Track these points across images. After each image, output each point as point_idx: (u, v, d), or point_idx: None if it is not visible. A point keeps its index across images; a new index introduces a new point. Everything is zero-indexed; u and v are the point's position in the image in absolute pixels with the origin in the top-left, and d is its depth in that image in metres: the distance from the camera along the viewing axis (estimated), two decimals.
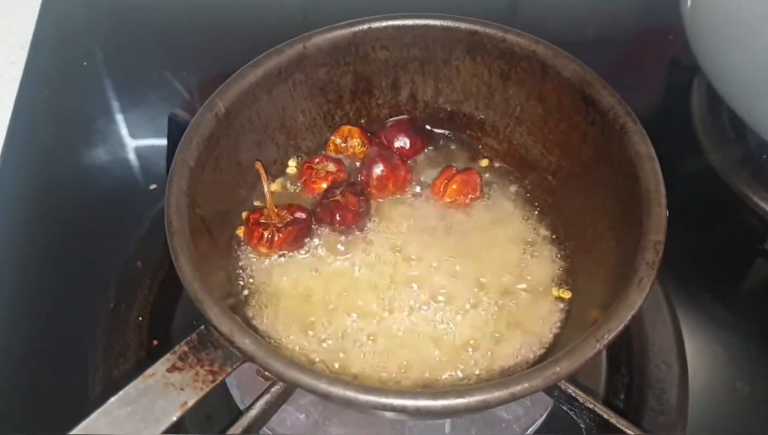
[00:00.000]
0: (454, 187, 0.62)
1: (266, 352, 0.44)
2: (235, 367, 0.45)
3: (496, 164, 0.65)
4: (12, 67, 0.84)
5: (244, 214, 0.60)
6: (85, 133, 0.81)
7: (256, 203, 0.62)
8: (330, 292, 0.57)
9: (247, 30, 0.89)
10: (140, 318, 0.63)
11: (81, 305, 0.66)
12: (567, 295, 0.57)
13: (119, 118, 0.83)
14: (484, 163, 0.65)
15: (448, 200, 0.62)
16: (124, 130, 0.82)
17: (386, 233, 0.61)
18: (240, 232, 0.60)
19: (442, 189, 0.62)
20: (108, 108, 0.83)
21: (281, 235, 0.58)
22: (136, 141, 0.81)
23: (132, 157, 0.79)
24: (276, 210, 0.60)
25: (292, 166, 0.65)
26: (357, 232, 0.60)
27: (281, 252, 0.59)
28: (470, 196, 0.62)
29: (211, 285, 0.48)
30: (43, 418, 0.60)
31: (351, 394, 0.42)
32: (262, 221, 0.59)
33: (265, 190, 0.59)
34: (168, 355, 0.45)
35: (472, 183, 0.62)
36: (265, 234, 0.58)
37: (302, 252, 0.60)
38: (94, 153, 0.80)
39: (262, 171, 0.59)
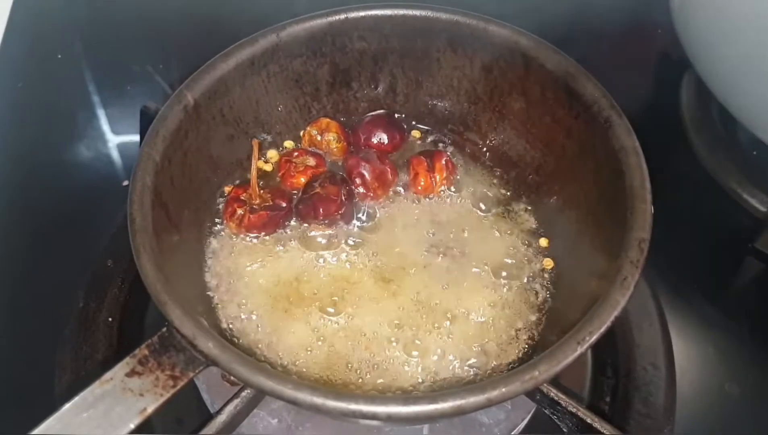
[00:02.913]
0: (439, 176, 0.61)
1: (230, 356, 0.42)
2: (197, 371, 0.44)
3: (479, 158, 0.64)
4: None
5: (228, 188, 0.60)
6: (63, 127, 0.79)
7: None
8: (305, 290, 0.56)
9: (229, 22, 0.87)
10: (110, 318, 0.61)
11: (50, 303, 0.64)
12: (549, 293, 0.56)
13: (100, 113, 0.81)
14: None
15: (440, 191, 0.61)
16: (105, 126, 0.80)
17: (366, 232, 0.59)
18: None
19: (430, 182, 0.61)
20: (88, 102, 0.82)
21: (252, 217, 0.57)
22: (118, 137, 0.79)
23: (114, 153, 0.78)
24: (260, 192, 0.58)
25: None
26: (338, 227, 0.59)
27: (248, 233, 0.58)
28: (451, 175, 0.61)
29: (176, 285, 0.46)
30: (7, 418, 0.58)
31: (319, 400, 0.41)
32: (242, 198, 0.58)
33: (253, 168, 0.58)
34: (127, 359, 0.43)
35: (447, 163, 0.61)
36: (239, 211, 0.57)
37: (279, 247, 0.58)
38: (73, 148, 0.78)
39: (256, 149, 0.58)
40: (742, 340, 0.65)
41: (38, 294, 0.65)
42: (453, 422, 0.54)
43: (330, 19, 0.58)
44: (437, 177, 0.61)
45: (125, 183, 0.72)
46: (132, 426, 0.41)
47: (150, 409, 0.42)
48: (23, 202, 0.73)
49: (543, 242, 0.59)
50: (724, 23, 0.65)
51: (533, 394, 0.50)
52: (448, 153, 0.63)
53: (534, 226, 0.60)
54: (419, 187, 0.61)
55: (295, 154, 0.62)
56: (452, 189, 0.61)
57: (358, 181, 0.60)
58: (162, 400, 0.42)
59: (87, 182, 0.75)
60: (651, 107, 0.81)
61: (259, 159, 0.60)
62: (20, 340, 0.62)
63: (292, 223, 0.59)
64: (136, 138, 0.77)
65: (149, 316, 0.63)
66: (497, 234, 0.59)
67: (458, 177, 0.62)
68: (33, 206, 0.72)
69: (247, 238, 0.58)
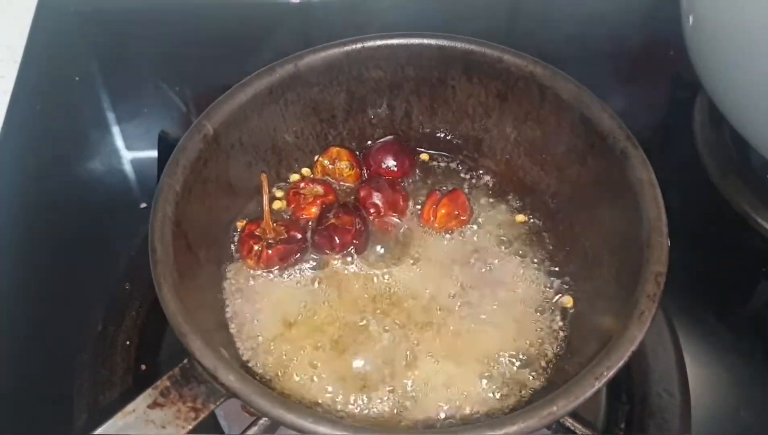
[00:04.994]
0: (443, 211, 0.60)
1: (251, 389, 0.43)
2: (218, 403, 0.44)
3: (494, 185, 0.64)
4: (2, 80, 0.83)
5: (241, 223, 0.60)
6: (78, 146, 0.80)
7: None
8: (322, 321, 0.56)
9: (244, 43, 0.88)
10: (128, 342, 0.62)
11: (68, 327, 0.64)
12: (566, 323, 0.56)
13: (115, 129, 0.82)
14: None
15: (438, 226, 0.61)
16: (119, 143, 0.81)
17: (382, 263, 0.59)
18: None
19: (431, 216, 0.61)
20: (103, 120, 0.82)
21: (270, 252, 0.57)
22: (131, 153, 0.80)
23: (128, 169, 0.79)
24: (273, 225, 0.58)
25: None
26: (354, 257, 0.59)
27: (267, 268, 0.58)
28: (460, 217, 0.61)
29: (196, 315, 0.47)
30: None
31: (338, 433, 0.41)
32: (257, 234, 0.58)
33: (265, 203, 0.58)
34: (149, 391, 0.44)
35: (460, 204, 0.61)
36: (255, 247, 0.57)
37: (297, 278, 0.58)
38: (88, 165, 0.79)
39: (265, 184, 0.58)
40: (756, 366, 0.65)
41: (56, 316, 0.65)
42: None
43: (347, 48, 0.59)
44: (441, 211, 0.60)
45: (143, 205, 0.73)
46: None
47: None
48: (37, 222, 0.73)
49: (558, 271, 0.59)
50: (736, 46, 0.65)
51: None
52: (468, 181, 0.64)
53: (549, 255, 0.60)
54: (424, 220, 0.61)
55: (302, 185, 0.62)
56: (462, 221, 0.61)
57: (372, 210, 0.61)
58: (183, 432, 0.43)
59: (102, 201, 0.76)
60: (663, 129, 0.81)
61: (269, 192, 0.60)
62: (39, 363, 0.63)
63: (310, 254, 0.59)
64: (150, 154, 0.78)
65: (167, 339, 0.63)
66: (512, 264, 0.59)
67: (475, 216, 0.62)
68: (47, 226, 0.73)
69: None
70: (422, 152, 0.65)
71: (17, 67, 0.84)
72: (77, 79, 0.85)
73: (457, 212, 0.61)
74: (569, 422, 0.49)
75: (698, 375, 0.62)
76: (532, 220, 0.62)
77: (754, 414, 0.61)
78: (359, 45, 0.59)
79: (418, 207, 0.62)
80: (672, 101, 0.85)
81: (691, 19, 0.70)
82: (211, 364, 0.43)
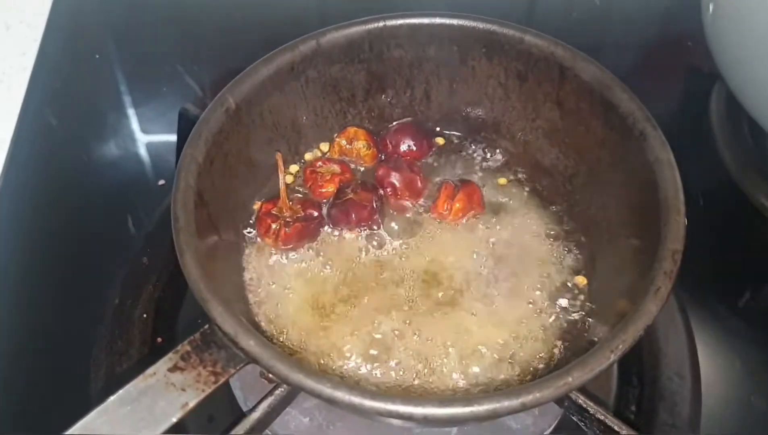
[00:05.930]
0: (458, 205, 0.60)
1: (271, 354, 0.43)
2: (238, 368, 0.45)
3: (514, 170, 0.64)
4: (23, 57, 0.83)
5: (257, 205, 0.60)
6: (95, 126, 0.81)
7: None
8: (339, 295, 0.57)
9: (261, 25, 0.88)
10: (145, 315, 0.62)
11: (85, 300, 0.65)
12: (580, 303, 0.56)
13: (131, 112, 0.82)
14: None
15: (452, 218, 0.60)
16: (135, 125, 0.81)
17: (399, 240, 0.60)
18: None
19: (446, 209, 0.60)
20: (119, 102, 0.83)
21: (288, 230, 0.58)
22: (147, 136, 0.80)
23: (143, 151, 0.79)
24: (290, 204, 0.59)
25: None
26: (371, 233, 0.60)
27: (285, 247, 0.58)
28: (475, 211, 0.61)
29: (216, 283, 0.47)
30: (43, 414, 0.59)
31: (356, 399, 0.41)
32: (273, 212, 0.59)
33: (281, 182, 0.58)
34: (170, 355, 0.44)
35: (475, 199, 0.61)
36: (273, 226, 0.58)
37: (313, 252, 0.59)
38: (104, 147, 0.79)
39: (280, 162, 0.58)
40: None
41: (74, 291, 0.66)
42: (482, 425, 0.54)
43: (368, 26, 0.59)
44: (456, 205, 0.60)
45: (161, 182, 0.73)
46: (174, 420, 0.42)
47: (192, 404, 0.43)
48: (55, 199, 0.74)
49: (574, 251, 0.59)
50: (757, 35, 0.65)
51: (561, 400, 0.50)
52: (484, 163, 0.64)
53: (565, 236, 0.60)
54: (437, 211, 0.61)
55: (319, 164, 0.62)
56: (476, 215, 0.61)
57: (389, 190, 0.61)
58: (203, 395, 0.43)
59: (117, 181, 0.76)
60: (680, 119, 0.81)
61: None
62: (57, 336, 0.63)
63: (327, 229, 0.60)
64: (165, 137, 0.78)
65: (182, 313, 0.64)
66: (526, 245, 0.60)
67: (489, 201, 0.62)
68: (64, 203, 0.73)
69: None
70: (440, 133, 0.66)
71: (38, 46, 0.85)
72: (97, 57, 0.86)
73: (471, 207, 0.60)
74: (581, 399, 0.49)
75: (710, 362, 0.62)
76: (547, 201, 0.62)
77: (765, 401, 0.61)
78: (381, 23, 0.59)
79: (430, 192, 0.62)
80: (689, 92, 0.85)
81: (711, 7, 0.70)
82: (232, 329, 0.44)
